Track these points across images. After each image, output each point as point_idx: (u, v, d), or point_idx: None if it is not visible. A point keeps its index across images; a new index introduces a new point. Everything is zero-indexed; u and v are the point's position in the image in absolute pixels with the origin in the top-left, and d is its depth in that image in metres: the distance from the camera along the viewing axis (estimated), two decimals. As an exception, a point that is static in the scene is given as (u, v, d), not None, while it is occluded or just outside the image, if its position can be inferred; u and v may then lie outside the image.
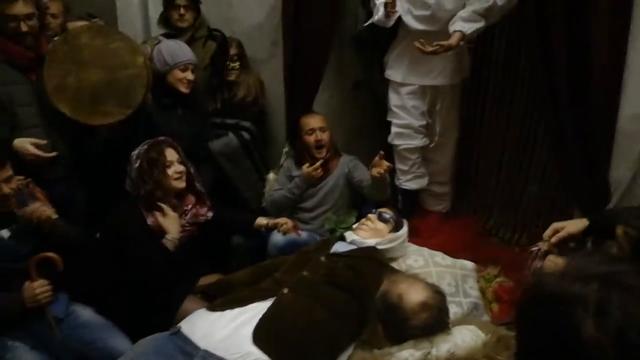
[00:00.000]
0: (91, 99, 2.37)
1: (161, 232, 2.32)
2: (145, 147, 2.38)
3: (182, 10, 3.05)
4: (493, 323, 2.15)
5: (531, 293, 0.84)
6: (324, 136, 2.91)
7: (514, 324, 0.90)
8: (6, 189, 1.97)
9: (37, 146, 2.32)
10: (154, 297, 2.30)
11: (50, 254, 2.02)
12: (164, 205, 2.35)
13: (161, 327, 2.00)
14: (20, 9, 2.29)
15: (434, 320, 1.56)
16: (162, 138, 2.42)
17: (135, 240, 2.29)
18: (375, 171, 2.63)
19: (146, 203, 2.36)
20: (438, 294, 1.64)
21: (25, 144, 2.29)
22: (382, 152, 2.65)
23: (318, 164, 2.87)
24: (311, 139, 2.91)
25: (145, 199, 2.34)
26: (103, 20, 3.24)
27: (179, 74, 2.67)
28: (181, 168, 2.39)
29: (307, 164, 2.89)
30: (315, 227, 2.93)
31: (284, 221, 2.58)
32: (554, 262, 1.73)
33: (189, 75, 2.68)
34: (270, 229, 2.63)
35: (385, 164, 2.64)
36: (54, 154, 2.38)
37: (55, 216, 2.06)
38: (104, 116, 2.40)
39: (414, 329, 1.54)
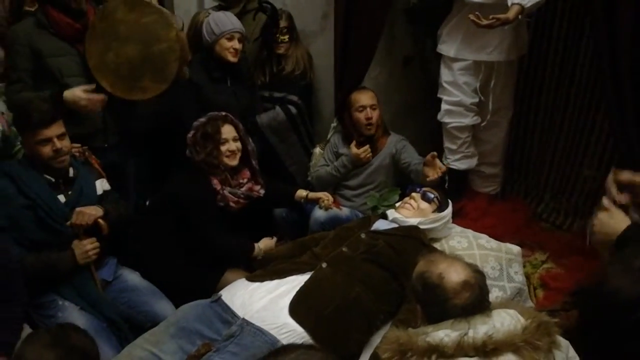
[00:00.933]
0: (129, 74, 2.38)
1: (222, 195, 2.40)
2: (204, 120, 2.42)
3: None
4: (536, 310, 2.09)
5: (602, 298, 0.79)
6: (375, 114, 2.86)
7: (576, 330, 0.86)
8: (59, 144, 2.02)
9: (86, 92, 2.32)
10: (199, 265, 2.37)
11: (98, 220, 2.10)
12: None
13: (202, 295, 2.06)
14: None
15: (476, 299, 1.53)
16: (223, 114, 2.45)
17: (204, 205, 2.37)
18: (431, 174, 2.55)
19: (205, 168, 2.42)
20: (478, 273, 1.60)
21: (74, 91, 2.29)
22: (434, 153, 2.59)
23: (367, 147, 2.84)
24: (361, 116, 2.86)
25: (202, 165, 2.41)
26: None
27: (225, 43, 2.68)
28: (234, 147, 2.42)
29: (354, 143, 2.87)
30: (358, 204, 2.91)
31: (326, 197, 2.58)
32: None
33: (236, 45, 2.70)
34: (309, 201, 2.65)
35: (438, 165, 2.56)
36: (104, 96, 2.36)
37: (100, 213, 2.10)
38: (142, 92, 2.40)
39: (454, 308, 1.51)
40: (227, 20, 2.71)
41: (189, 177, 2.42)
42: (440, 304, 1.53)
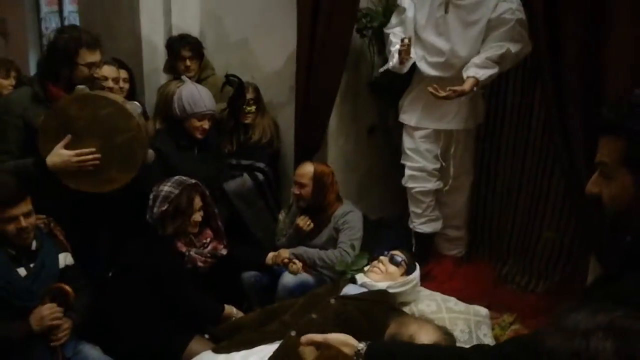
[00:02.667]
0: (93, 169, 2.26)
1: (189, 256, 2.42)
2: (177, 191, 2.38)
3: (187, 62, 3.26)
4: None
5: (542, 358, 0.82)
6: (303, 191, 2.84)
7: None
8: (25, 222, 1.98)
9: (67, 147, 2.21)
10: (164, 333, 2.30)
11: (64, 286, 2.05)
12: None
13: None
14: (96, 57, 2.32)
15: None
16: (193, 182, 2.45)
17: (176, 274, 2.36)
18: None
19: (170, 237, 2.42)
20: (448, 335, 1.62)
21: (60, 153, 2.18)
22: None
23: (303, 217, 2.86)
24: (294, 190, 2.90)
25: (168, 236, 2.41)
26: (130, 65, 3.38)
27: (195, 122, 2.74)
28: (199, 217, 2.45)
29: (299, 215, 2.90)
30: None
31: (293, 262, 2.59)
32: None
33: (205, 124, 2.77)
34: (278, 264, 2.67)
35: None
36: (94, 150, 2.24)
37: (63, 322, 2.04)
38: (109, 183, 2.33)
39: None
40: (201, 101, 2.74)
41: (152, 244, 2.39)
42: None
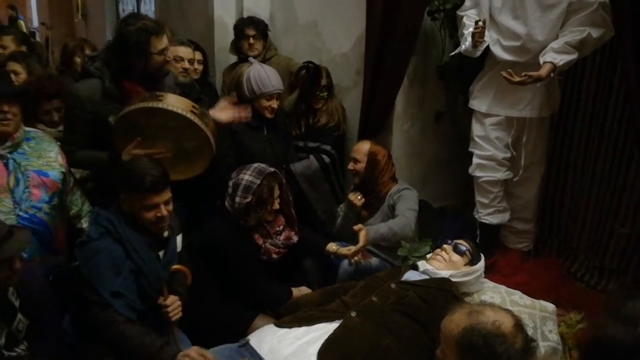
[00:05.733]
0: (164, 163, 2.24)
1: (265, 248, 2.46)
2: (258, 181, 2.40)
3: (251, 40, 3.39)
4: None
5: (601, 351, 0.79)
6: (356, 166, 2.87)
7: None
8: (164, 210, 1.94)
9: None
10: (232, 309, 2.37)
11: (180, 267, 2.05)
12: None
13: (231, 339, 2.07)
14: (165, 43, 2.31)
15: (526, 339, 1.53)
16: (273, 170, 2.47)
17: (250, 264, 2.41)
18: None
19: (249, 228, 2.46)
20: (516, 318, 1.61)
21: (131, 153, 2.18)
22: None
23: (357, 195, 2.86)
24: (349, 165, 2.92)
25: (248, 227, 2.45)
26: (202, 46, 3.48)
27: (264, 102, 2.79)
28: (277, 206, 2.49)
29: (352, 190, 2.92)
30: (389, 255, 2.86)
31: (349, 253, 2.56)
32: None
33: (274, 104, 2.82)
34: (338, 256, 2.63)
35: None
36: (163, 150, 2.26)
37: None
38: (178, 174, 2.31)
39: (517, 353, 1.49)
40: (268, 82, 2.78)
41: (233, 232, 2.42)
42: (506, 352, 1.49)
